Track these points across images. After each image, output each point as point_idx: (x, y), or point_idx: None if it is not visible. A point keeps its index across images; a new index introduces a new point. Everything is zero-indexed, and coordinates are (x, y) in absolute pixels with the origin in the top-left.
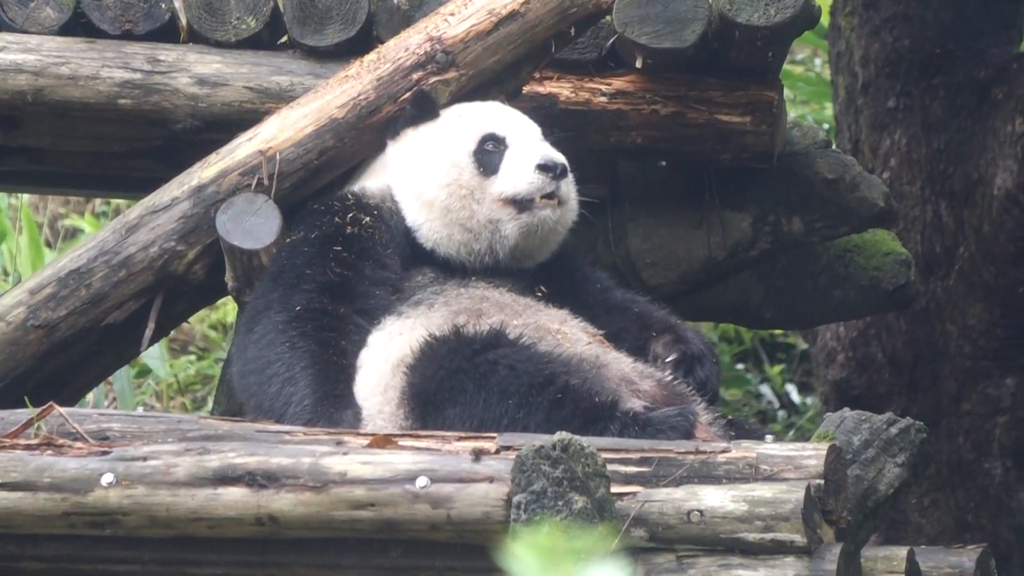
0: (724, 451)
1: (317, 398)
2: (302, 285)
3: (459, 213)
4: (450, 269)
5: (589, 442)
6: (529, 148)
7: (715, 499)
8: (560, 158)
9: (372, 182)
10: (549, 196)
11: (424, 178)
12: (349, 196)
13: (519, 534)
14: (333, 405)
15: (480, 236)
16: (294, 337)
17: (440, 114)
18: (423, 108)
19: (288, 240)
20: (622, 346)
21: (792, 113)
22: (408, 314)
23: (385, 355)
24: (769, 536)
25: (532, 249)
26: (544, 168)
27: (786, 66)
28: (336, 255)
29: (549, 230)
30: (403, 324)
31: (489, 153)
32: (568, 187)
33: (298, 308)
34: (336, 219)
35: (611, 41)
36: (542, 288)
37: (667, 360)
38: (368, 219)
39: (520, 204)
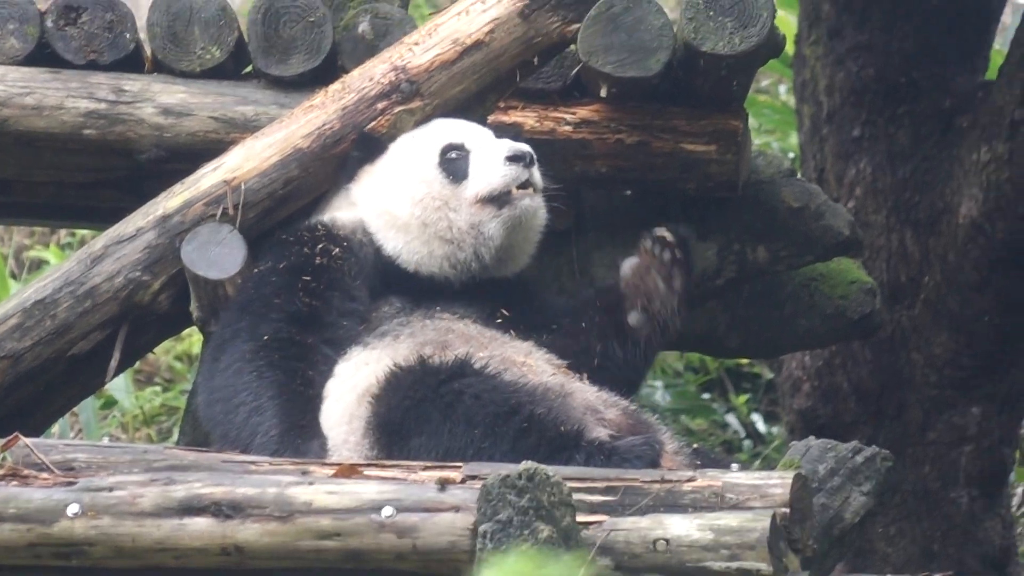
0: (690, 480)
1: (284, 428)
2: (270, 314)
3: (437, 225)
4: (418, 298)
5: (555, 471)
6: (492, 145)
7: (681, 528)
8: (526, 147)
9: (342, 214)
10: (524, 185)
11: (395, 203)
12: (319, 227)
13: (485, 563)
14: (300, 436)
15: (463, 244)
16: (261, 367)
17: (388, 147)
18: (368, 148)
19: (256, 270)
20: (598, 333)
21: (757, 141)
22: (374, 345)
23: (351, 385)
24: (735, 565)
25: (517, 247)
26: (514, 159)
27: (751, 94)
28: (305, 285)
29: (531, 219)
30: (369, 355)
31: (454, 161)
32: (538, 175)
33: (265, 337)
34: (305, 249)
35: (576, 70)
36: (504, 312)
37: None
38: (338, 250)
39: (498, 200)
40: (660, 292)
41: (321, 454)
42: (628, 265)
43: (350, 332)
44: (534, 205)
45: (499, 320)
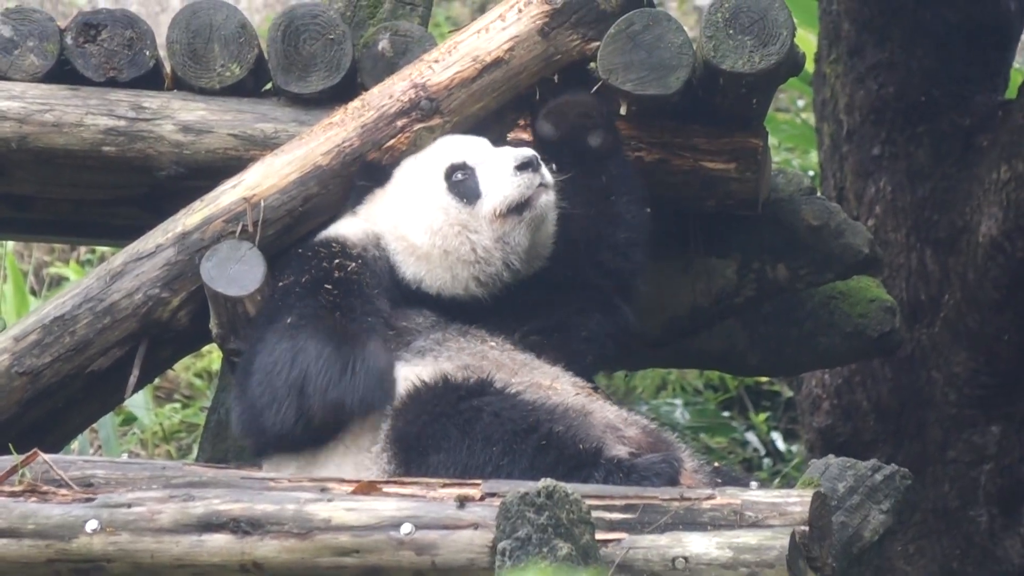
0: (709, 498)
1: (333, 346)
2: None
3: (459, 251)
4: (448, 310)
5: (574, 489)
6: (497, 157)
7: (700, 546)
8: (530, 151)
9: (353, 230)
10: (539, 187)
11: (412, 232)
12: (333, 243)
13: None
14: (352, 344)
15: (491, 259)
16: (295, 336)
17: (392, 172)
18: (372, 176)
19: (280, 284)
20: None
21: (777, 159)
22: (415, 362)
23: None
24: None
25: (540, 244)
26: (523, 167)
27: (771, 112)
28: (327, 293)
29: (550, 212)
30: (409, 371)
31: (462, 182)
32: (548, 174)
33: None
34: (324, 263)
35: (595, 88)
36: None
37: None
38: (353, 264)
39: (519, 208)
40: (588, 101)
41: (381, 354)
42: (543, 124)
43: (376, 327)
44: (550, 199)
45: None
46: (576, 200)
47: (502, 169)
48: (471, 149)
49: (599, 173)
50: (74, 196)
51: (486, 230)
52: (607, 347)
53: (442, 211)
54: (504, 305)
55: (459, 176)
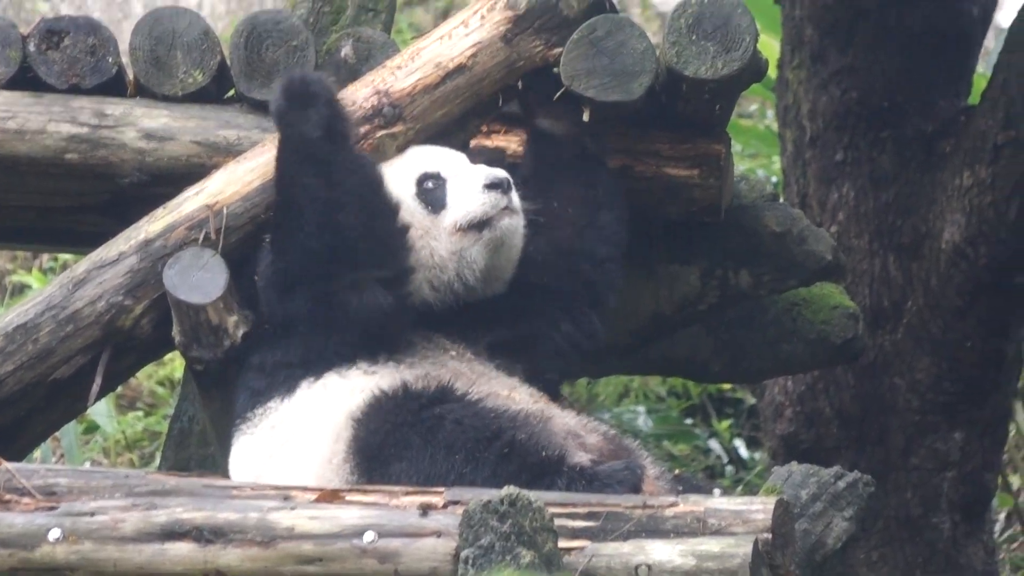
0: (672, 505)
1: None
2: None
3: (419, 254)
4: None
5: (537, 496)
6: (469, 172)
7: (663, 553)
8: (503, 173)
9: None
10: (504, 209)
11: None
12: None
13: None
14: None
15: (445, 267)
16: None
17: None
18: None
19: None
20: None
21: (740, 166)
22: (372, 370)
23: (345, 404)
24: None
25: (499, 268)
26: (492, 186)
27: (734, 119)
28: None
29: (512, 238)
30: (367, 380)
31: (431, 191)
32: (517, 200)
33: None
34: None
35: (558, 94)
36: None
37: None
38: None
39: (479, 225)
40: None
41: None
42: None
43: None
44: (514, 224)
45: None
46: (565, 205)
47: (471, 185)
48: (446, 161)
49: (594, 183)
50: (37, 203)
51: (445, 241)
52: (573, 358)
53: (407, 213)
54: (471, 312)
55: (429, 184)
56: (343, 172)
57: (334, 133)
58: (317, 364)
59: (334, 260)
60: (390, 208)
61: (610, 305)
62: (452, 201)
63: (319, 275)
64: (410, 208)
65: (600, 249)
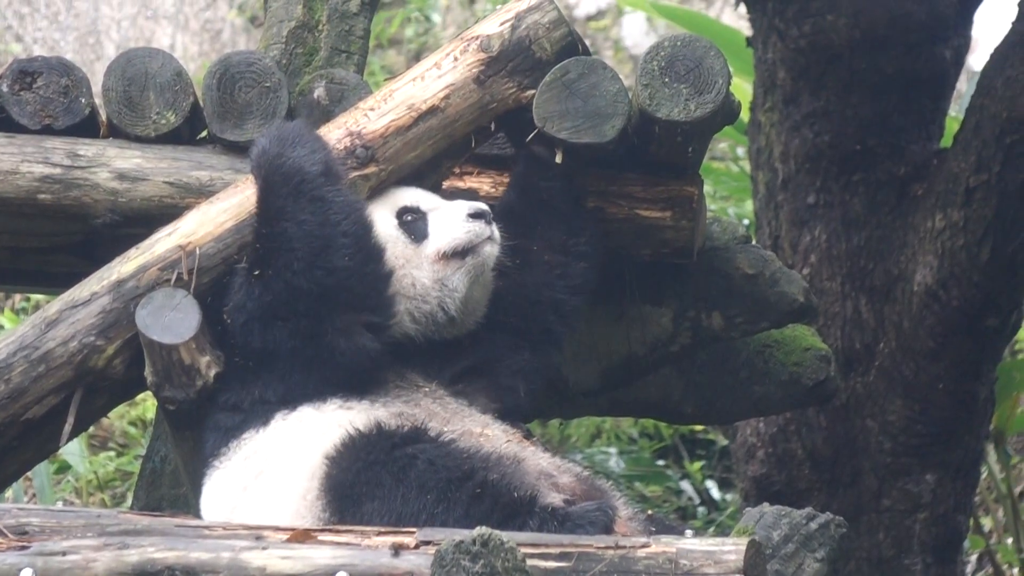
0: (644, 546)
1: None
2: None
3: (401, 282)
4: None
5: (509, 537)
6: (450, 205)
7: None
8: (484, 205)
9: None
10: (487, 239)
11: None
12: None
13: None
14: None
15: (428, 297)
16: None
17: None
18: None
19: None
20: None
21: (712, 208)
22: (347, 405)
23: (319, 441)
24: None
25: (477, 300)
26: (476, 215)
27: (707, 161)
28: None
29: (489, 269)
30: (344, 415)
31: (412, 223)
32: (497, 232)
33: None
34: None
35: (531, 136)
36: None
37: None
38: None
39: (461, 253)
40: None
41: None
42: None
43: None
44: (495, 252)
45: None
46: (542, 250)
47: (454, 216)
48: (423, 196)
49: (578, 231)
50: (9, 244)
51: (427, 269)
52: (536, 382)
53: (390, 244)
54: (440, 348)
55: (409, 217)
56: (339, 212)
57: (332, 172)
58: (294, 400)
59: (324, 299)
60: (380, 251)
61: (564, 345)
62: (434, 231)
63: (306, 313)
64: (392, 237)
65: (569, 300)
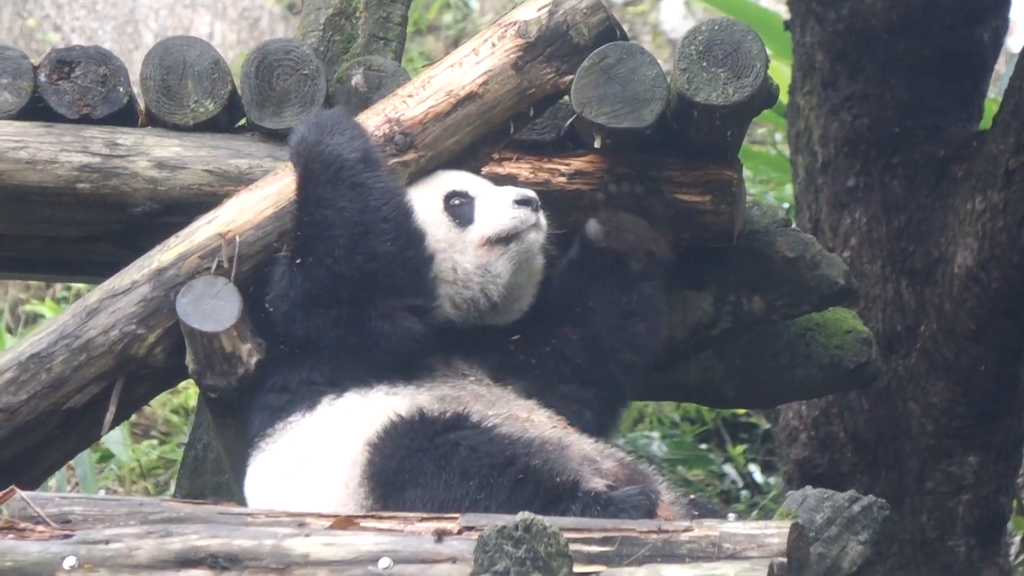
0: (687, 530)
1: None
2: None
3: (442, 266)
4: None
5: (552, 522)
6: (498, 191)
7: None
8: (532, 192)
9: None
10: (532, 226)
11: None
12: None
13: None
14: None
15: (469, 283)
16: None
17: None
18: None
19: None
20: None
21: (752, 192)
22: (392, 391)
23: (362, 428)
24: None
25: (521, 287)
26: (523, 202)
27: (746, 145)
28: None
29: (536, 255)
30: (389, 400)
31: (458, 207)
32: (544, 220)
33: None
34: None
35: (569, 121)
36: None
37: None
38: None
39: (507, 239)
40: (644, 229)
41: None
42: (594, 225)
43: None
44: (540, 239)
45: (512, 349)
46: (596, 305)
47: (501, 202)
48: (473, 182)
49: (629, 290)
50: (49, 233)
51: (471, 254)
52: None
53: (433, 227)
54: (487, 336)
55: (456, 201)
56: (379, 198)
57: (371, 159)
58: (341, 383)
59: (366, 285)
60: (421, 236)
61: (624, 406)
62: (480, 216)
63: (349, 299)
64: (436, 221)
65: (626, 355)
